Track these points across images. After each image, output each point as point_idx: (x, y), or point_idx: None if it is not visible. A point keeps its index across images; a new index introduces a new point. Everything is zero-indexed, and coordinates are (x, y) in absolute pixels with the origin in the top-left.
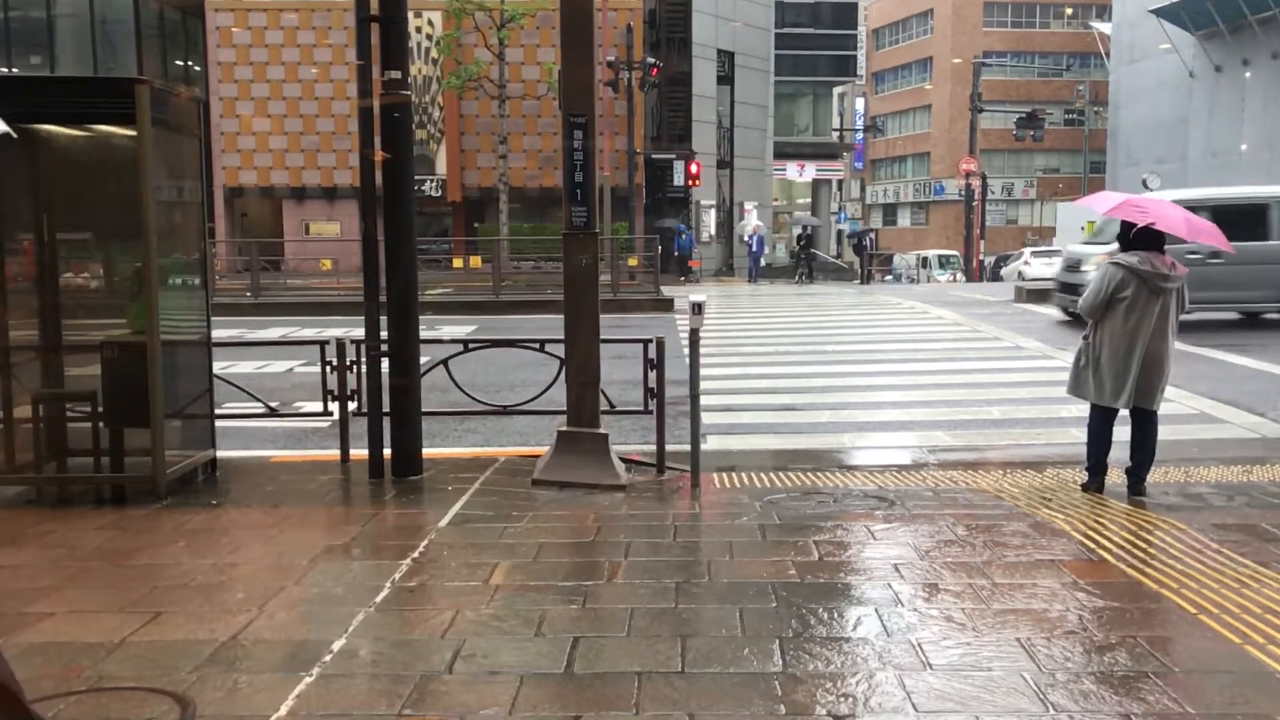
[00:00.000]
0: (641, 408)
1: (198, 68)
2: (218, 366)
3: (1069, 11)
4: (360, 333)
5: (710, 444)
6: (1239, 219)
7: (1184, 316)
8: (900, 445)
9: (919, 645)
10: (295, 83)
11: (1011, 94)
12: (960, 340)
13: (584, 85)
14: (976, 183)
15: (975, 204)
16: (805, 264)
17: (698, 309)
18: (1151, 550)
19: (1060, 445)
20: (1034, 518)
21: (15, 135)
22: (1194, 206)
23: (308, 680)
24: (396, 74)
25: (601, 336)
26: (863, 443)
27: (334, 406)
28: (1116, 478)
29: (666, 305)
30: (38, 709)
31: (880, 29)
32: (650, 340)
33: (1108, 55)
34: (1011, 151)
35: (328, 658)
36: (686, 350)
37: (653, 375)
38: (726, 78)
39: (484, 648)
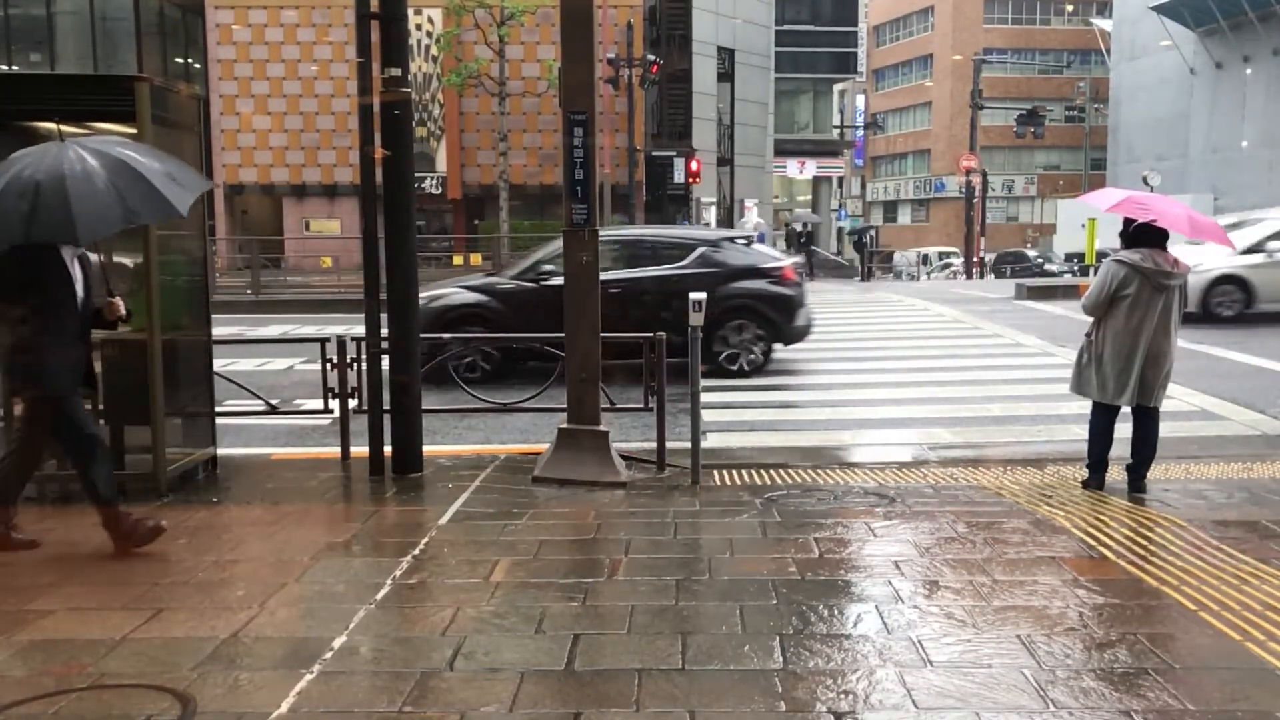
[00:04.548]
0: (642, 405)
1: (198, 65)
2: (218, 364)
3: (1070, 8)
4: (361, 330)
5: (711, 441)
6: None
7: None
8: (901, 442)
9: (919, 642)
10: (295, 80)
11: (1012, 91)
12: (961, 337)
13: (584, 82)
14: (977, 180)
15: (976, 201)
16: (806, 261)
17: (698, 306)
18: (1152, 547)
19: (1061, 442)
20: (1034, 515)
21: None
22: None
23: (308, 677)
24: (397, 71)
25: (601, 333)
26: (863, 440)
27: (334, 404)
28: (1117, 475)
29: None
30: (38, 706)
31: (881, 25)
32: (650, 337)
33: (1108, 52)
34: (1012, 148)
35: (328, 655)
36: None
37: (653, 372)
38: (727, 75)
39: (485, 645)
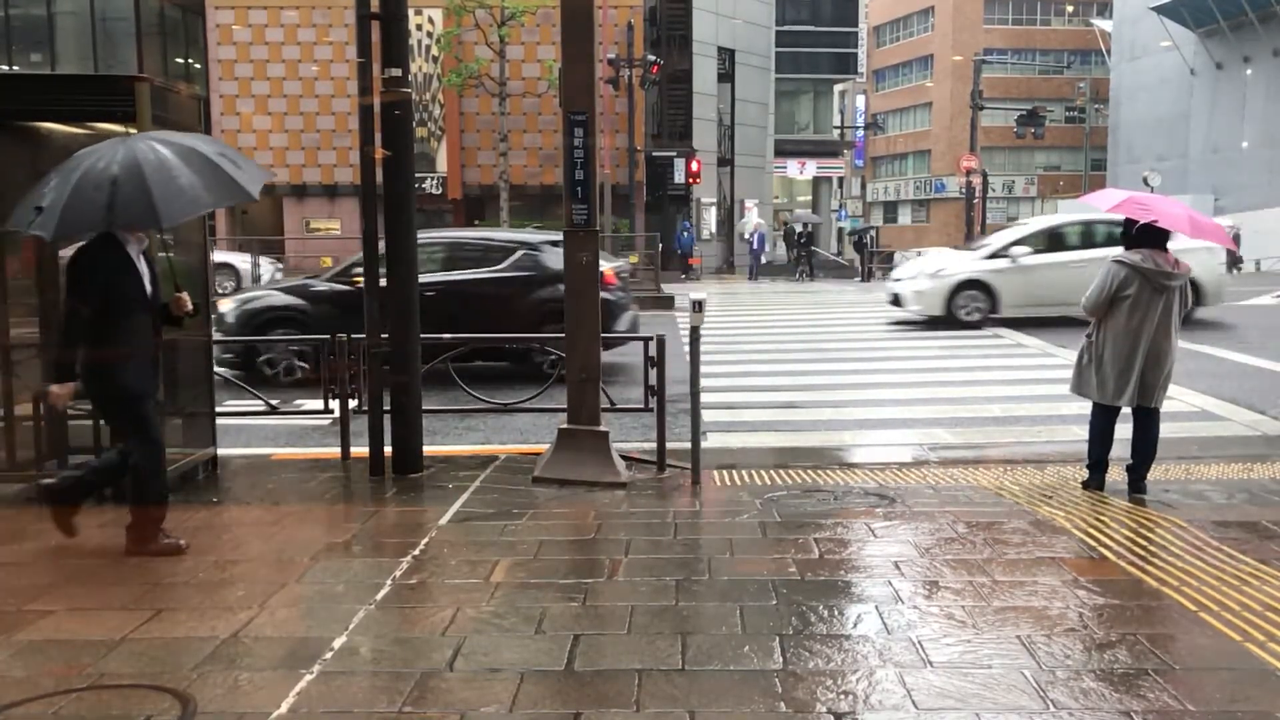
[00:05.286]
0: (642, 405)
1: (198, 65)
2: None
3: (1070, 8)
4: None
5: (711, 441)
6: None
7: None
8: (901, 443)
9: (919, 642)
10: (296, 80)
11: (1012, 91)
12: (961, 337)
13: (584, 83)
14: (977, 180)
15: (976, 201)
16: (806, 262)
17: (698, 306)
18: (1152, 548)
19: (1061, 442)
20: (1035, 515)
21: None
22: None
23: (308, 678)
24: (397, 71)
25: (602, 334)
26: (863, 440)
27: (334, 404)
28: (1117, 475)
29: (667, 303)
30: (38, 707)
31: (881, 26)
32: (651, 338)
33: (1109, 52)
34: (1012, 149)
35: (328, 655)
36: (687, 348)
37: (653, 373)
38: (727, 75)
39: (485, 645)
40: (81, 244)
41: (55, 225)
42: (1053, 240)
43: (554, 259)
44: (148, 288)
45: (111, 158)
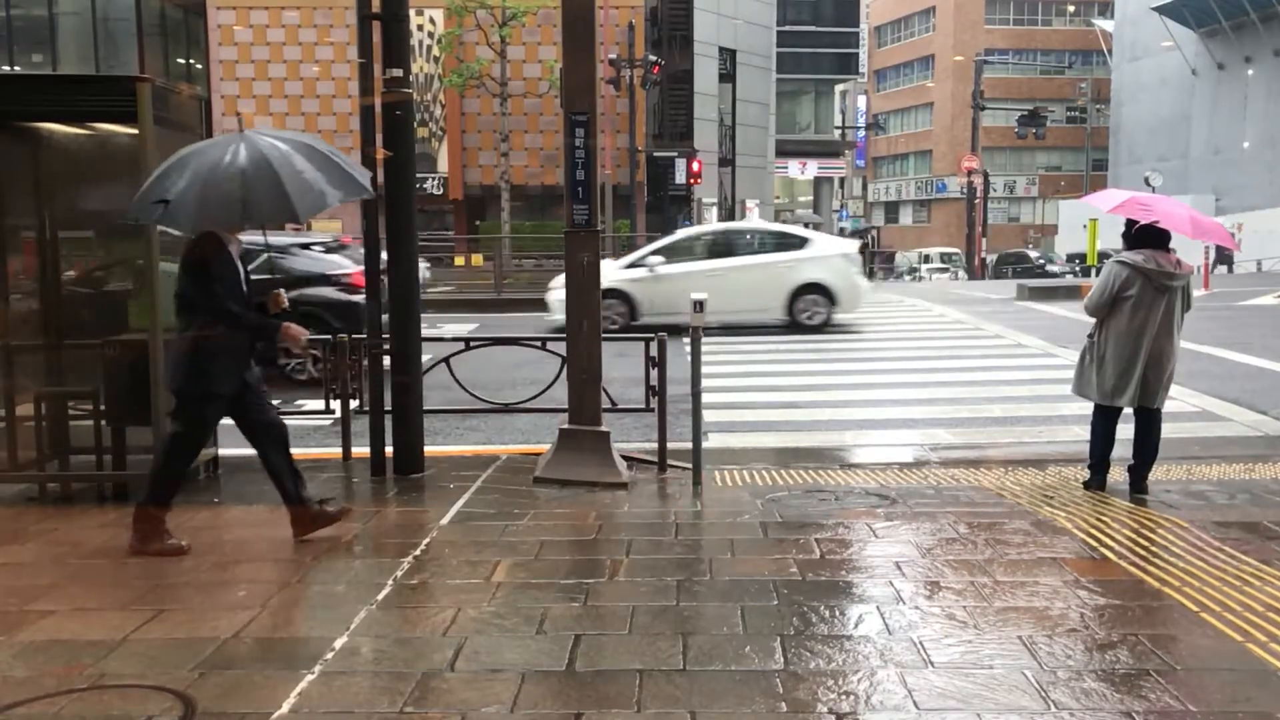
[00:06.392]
0: (643, 405)
1: (199, 65)
2: None
3: (1071, 9)
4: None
5: (712, 442)
6: None
7: None
8: (902, 443)
9: (920, 643)
10: (297, 80)
11: (1013, 91)
12: (962, 338)
13: (586, 83)
14: (978, 180)
15: (977, 202)
16: None
17: (699, 307)
18: (1153, 548)
19: (1062, 443)
20: (1036, 515)
21: None
22: None
23: (309, 678)
24: (398, 72)
25: (603, 334)
26: (864, 441)
27: (335, 404)
28: (1119, 475)
29: None
30: (40, 707)
31: (882, 26)
32: (652, 338)
33: (1110, 52)
34: (1013, 149)
35: (329, 655)
36: (688, 348)
37: (654, 373)
38: (728, 75)
39: (486, 645)
40: (191, 241)
41: (192, 218)
42: (692, 250)
43: (299, 262)
44: (244, 286)
45: (235, 151)
